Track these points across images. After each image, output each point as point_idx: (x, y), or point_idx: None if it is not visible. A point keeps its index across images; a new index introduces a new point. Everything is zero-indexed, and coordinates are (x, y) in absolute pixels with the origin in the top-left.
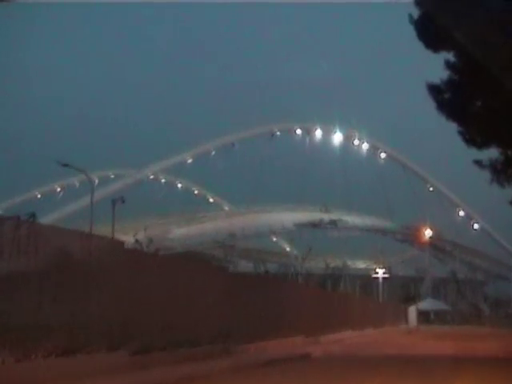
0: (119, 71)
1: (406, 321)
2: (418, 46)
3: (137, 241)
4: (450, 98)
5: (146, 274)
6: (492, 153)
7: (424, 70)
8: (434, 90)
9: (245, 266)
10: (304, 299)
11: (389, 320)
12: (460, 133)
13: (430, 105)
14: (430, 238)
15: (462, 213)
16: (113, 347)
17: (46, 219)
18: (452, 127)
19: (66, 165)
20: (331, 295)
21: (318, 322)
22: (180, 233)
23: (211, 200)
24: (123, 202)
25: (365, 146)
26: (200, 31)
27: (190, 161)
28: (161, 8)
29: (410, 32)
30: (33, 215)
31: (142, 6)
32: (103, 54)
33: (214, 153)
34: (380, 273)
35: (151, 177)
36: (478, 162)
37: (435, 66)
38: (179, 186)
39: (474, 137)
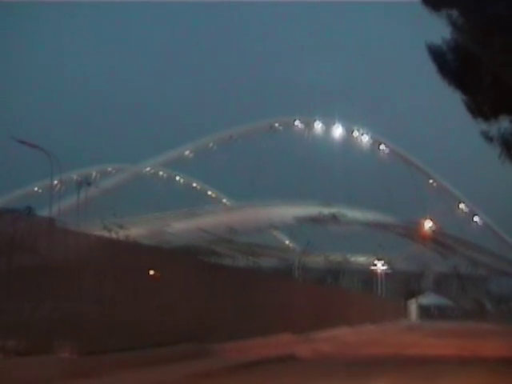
0: (120, 67)
1: (407, 316)
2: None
3: (106, 227)
4: (453, 61)
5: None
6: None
7: (426, 64)
8: (436, 52)
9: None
10: (294, 294)
11: (389, 315)
12: (465, 102)
13: (432, 99)
14: (432, 230)
15: (464, 208)
16: (61, 347)
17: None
18: (454, 121)
19: (22, 142)
20: (325, 290)
21: (310, 317)
22: (179, 227)
23: (211, 194)
24: (89, 185)
25: (366, 140)
26: (201, 28)
27: (189, 155)
28: (162, 6)
29: (412, 30)
30: (29, 209)
31: (144, 4)
32: (105, 50)
33: (213, 146)
34: (379, 265)
35: (151, 171)
36: (485, 134)
37: None
38: (179, 180)
39: (482, 106)
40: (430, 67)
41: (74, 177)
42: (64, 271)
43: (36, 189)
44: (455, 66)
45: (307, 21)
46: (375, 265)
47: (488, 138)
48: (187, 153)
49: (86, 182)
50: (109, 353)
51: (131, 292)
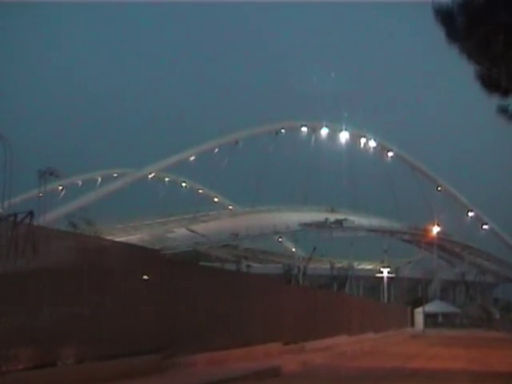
0: (124, 71)
1: (413, 324)
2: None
3: (72, 223)
4: (466, 26)
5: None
6: None
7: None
8: (444, 13)
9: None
10: (288, 299)
11: (393, 323)
12: (478, 75)
13: (438, 106)
14: (438, 234)
15: (471, 214)
16: None
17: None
18: (463, 127)
19: None
20: (324, 295)
21: (305, 325)
22: (182, 232)
23: (216, 200)
24: (51, 174)
25: (373, 146)
26: (206, 33)
27: (194, 160)
28: (168, 8)
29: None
30: (31, 214)
31: (147, 5)
32: (110, 55)
33: (218, 151)
34: (384, 272)
35: (154, 176)
36: (502, 109)
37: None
38: (183, 185)
39: (499, 79)
40: (439, 70)
41: (79, 182)
42: None
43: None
44: (468, 32)
45: (314, 25)
46: (381, 272)
47: (507, 113)
48: (192, 158)
49: (49, 173)
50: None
51: (77, 294)
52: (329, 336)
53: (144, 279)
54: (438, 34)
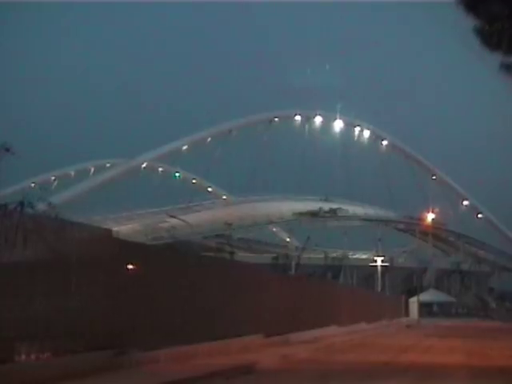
0: (118, 62)
1: (407, 314)
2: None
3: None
4: None
5: None
6: None
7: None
8: None
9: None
10: (269, 288)
11: (387, 313)
12: (477, 31)
13: (433, 96)
14: (433, 222)
15: (466, 203)
16: None
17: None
18: (459, 116)
19: None
20: (312, 284)
21: (289, 316)
22: (174, 222)
23: (210, 190)
24: (7, 150)
25: (368, 135)
26: (200, 25)
27: (187, 150)
28: (167, 6)
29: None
30: (21, 204)
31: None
32: (103, 46)
33: (211, 141)
34: (378, 261)
35: (147, 166)
36: (506, 66)
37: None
38: (177, 175)
39: (500, 36)
40: (434, 61)
41: (72, 172)
42: None
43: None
44: None
45: (307, 19)
46: (375, 261)
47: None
48: (185, 147)
49: (5, 149)
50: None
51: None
52: (317, 327)
53: (96, 263)
54: (432, 29)
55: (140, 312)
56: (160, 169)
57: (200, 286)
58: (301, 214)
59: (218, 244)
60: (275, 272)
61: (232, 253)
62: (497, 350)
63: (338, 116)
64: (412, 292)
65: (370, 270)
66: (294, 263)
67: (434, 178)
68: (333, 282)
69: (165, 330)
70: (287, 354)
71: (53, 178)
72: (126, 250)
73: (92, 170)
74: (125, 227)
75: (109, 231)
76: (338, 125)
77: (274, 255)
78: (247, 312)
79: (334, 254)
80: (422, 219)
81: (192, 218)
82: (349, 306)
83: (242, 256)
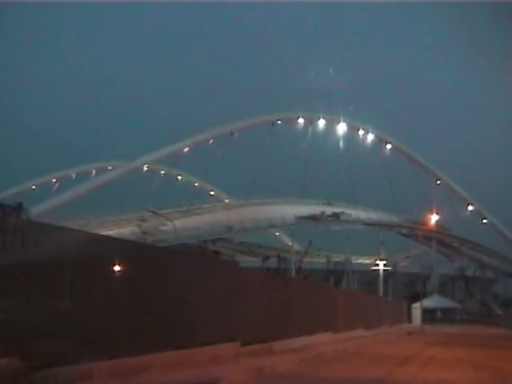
0: (118, 63)
1: (410, 320)
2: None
3: None
4: None
5: None
6: None
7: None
8: None
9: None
10: (250, 289)
11: (388, 319)
12: None
13: (438, 100)
14: (437, 226)
15: (471, 208)
16: None
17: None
18: (464, 121)
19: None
20: (300, 286)
21: (275, 321)
22: (174, 225)
23: (212, 193)
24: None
25: (371, 138)
26: (202, 27)
27: (189, 153)
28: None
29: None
30: (20, 205)
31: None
32: (103, 48)
33: (213, 143)
34: (380, 265)
35: (149, 169)
36: None
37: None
38: (177, 177)
39: None
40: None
41: (73, 174)
42: None
43: (33, 187)
44: None
45: (312, 20)
46: (377, 265)
47: None
48: (186, 149)
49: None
50: None
51: None
52: (308, 333)
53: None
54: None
55: (73, 317)
56: (162, 172)
57: (167, 287)
58: (303, 217)
59: (221, 248)
60: (260, 271)
61: (216, 252)
62: (509, 363)
63: (341, 119)
64: (415, 297)
65: (372, 275)
66: (293, 267)
67: (438, 182)
68: (327, 285)
69: (109, 338)
70: (263, 367)
71: (54, 180)
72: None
73: (93, 172)
74: (124, 230)
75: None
76: (342, 128)
77: (271, 257)
78: (222, 315)
79: (337, 259)
80: (425, 223)
81: (192, 220)
82: (345, 311)
83: (242, 260)
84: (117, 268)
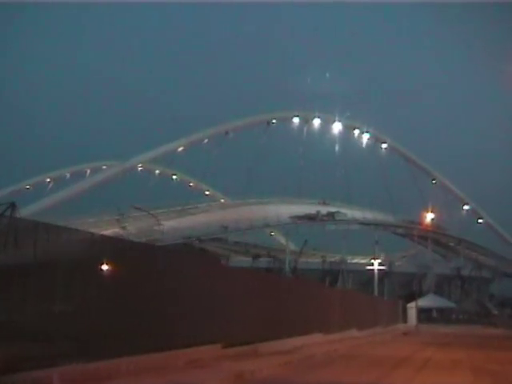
0: (116, 64)
1: (405, 320)
2: None
3: None
4: None
5: None
6: None
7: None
8: None
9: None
10: (234, 287)
11: (383, 319)
12: None
13: (433, 100)
14: (433, 225)
15: (467, 208)
16: None
17: (25, 210)
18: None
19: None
20: (291, 284)
21: (262, 321)
22: (169, 225)
23: (207, 193)
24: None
25: (367, 138)
26: (199, 27)
27: (184, 153)
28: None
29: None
30: (12, 205)
31: (147, 5)
32: (101, 48)
33: (208, 143)
34: (375, 264)
35: (144, 168)
36: None
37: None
38: (172, 177)
39: None
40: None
41: (67, 174)
42: None
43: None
44: None
45: (308, 21)
46: (372, 264)
47: None
48: (181, 149)
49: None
50: None
51: None
52: (298, 334)
53: None
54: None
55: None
56: (157, 171)
57: (133, 283)
58: (298, 217)
59: (217, 248)
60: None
61: (203, 250)
62: (509, 366)
63: (337, 118)
64: (411, 297)
65: (368, 275)
66: (288, 267)
67: (434, 182)
68: (320, 284)
69: (68, 338)
70: (245, 371)
71: (48, 180)
72: None
73: (88, 172)
74: (119, 229)
75: None
76: (337, 127)
77: (262, 256)
78: (204, 315)
79: (333, 259)
80: (421, 222)
81: (187, 220)
82: (338, 311)
83: (238, 260)
84: (86, 265)
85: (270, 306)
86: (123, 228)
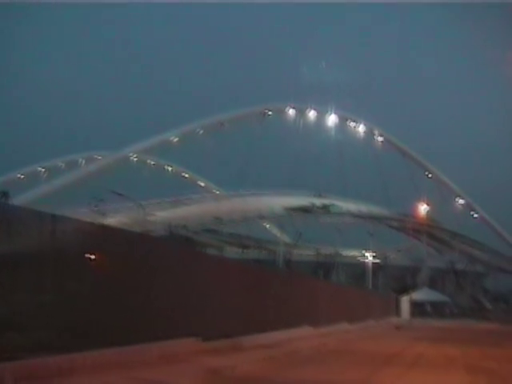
0: (111, 57)
1: (398, 313)
2: None
3: None
4: None
5: None
6: None
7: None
8: None
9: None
10: (215, 276)
11: (375, 312)
12: None
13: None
14: (428, 219)
15: (461, 202)
16: None
17: (18, 200)
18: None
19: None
20: (278, 275)
21: (246, 313)
22: (162, 216)
23: (202, 184)
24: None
25: (362, 130)
26: (193, 22)
27: (179, 144)
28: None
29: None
30: (5, 194)
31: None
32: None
33: (202, 133)
34: (369, 257)
35: (138, 159)
36: None
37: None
38: (166, 168)
39: None
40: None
41: (62, 164)
42: None
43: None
44: None
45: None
46: (366, 257)
47: None
48: (175, 140)
49: None
50: None
51: None
52: (285, 327)
53: None
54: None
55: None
56: (152, 162)
57: (103, 270)
58: (293, 209)
59: (210, 239)
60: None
61: (188, 239)
62: (506, 364)
63: (332, 110)
64: (404, 290)
65: (362, 268)
66: (281, 259)
67: (429, 176)
68: (309, 276)
69: (25, 328)
70: (222, 368)
71: (42, 169)
72: None
73: (82, 162)
74: (112, 219)
75: None
76: (332, 119)
77: (251, 248)
78: (182, 306)
79: (327, 251)
80: (415, 215)
81: (180, 211)
82: (328, 303)
83: (231, 251)
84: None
85: (255, 298)
86: (102, 215)
